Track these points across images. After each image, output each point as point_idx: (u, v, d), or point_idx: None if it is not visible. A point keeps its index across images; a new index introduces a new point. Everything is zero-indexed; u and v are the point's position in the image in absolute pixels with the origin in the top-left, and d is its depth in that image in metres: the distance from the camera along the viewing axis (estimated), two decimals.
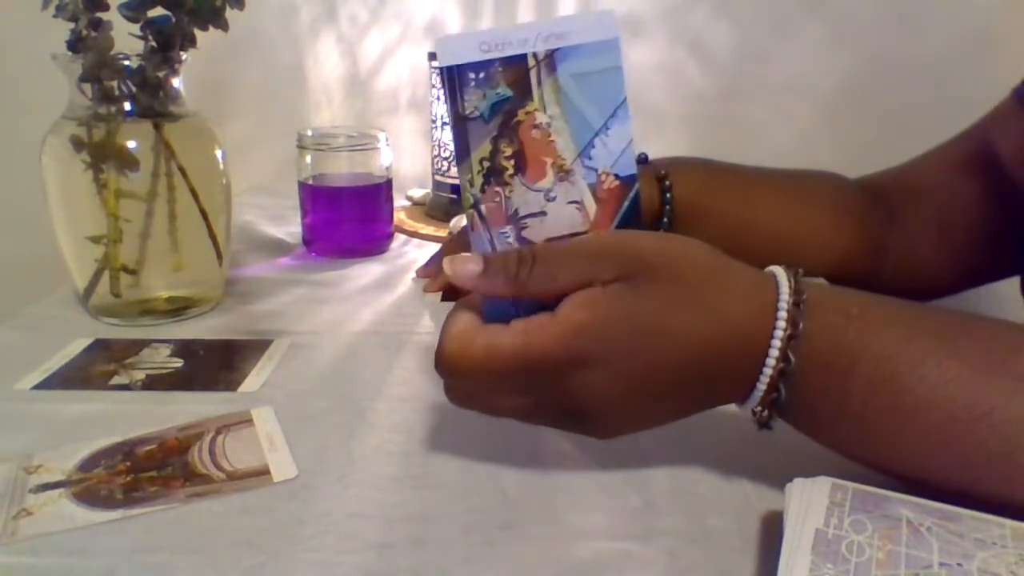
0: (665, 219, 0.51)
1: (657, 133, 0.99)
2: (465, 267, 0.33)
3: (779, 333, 0.32)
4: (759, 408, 0.34)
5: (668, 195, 0.51)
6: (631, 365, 0.32)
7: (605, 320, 0.32)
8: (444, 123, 0.84)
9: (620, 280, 0.32)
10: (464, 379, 0.34)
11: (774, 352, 0.32)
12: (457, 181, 0.85)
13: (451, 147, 0.84)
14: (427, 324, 0.59)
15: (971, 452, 0.31)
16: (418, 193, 0.95)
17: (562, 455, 0.40)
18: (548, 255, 0.33)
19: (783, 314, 0.32)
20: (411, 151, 1.06)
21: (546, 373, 0.32)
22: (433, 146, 0.87)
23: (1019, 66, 0.51)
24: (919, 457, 0.33)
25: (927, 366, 0.32)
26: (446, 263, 0.33)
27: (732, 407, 0.36)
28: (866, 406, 0.32)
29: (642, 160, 0.53)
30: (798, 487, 0.32)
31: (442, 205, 0.88)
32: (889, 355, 0.32)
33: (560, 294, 0.32)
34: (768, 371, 0.33)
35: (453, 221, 0.81)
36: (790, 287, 0.33)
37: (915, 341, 0.32)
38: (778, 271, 0.34)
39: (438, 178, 0.88)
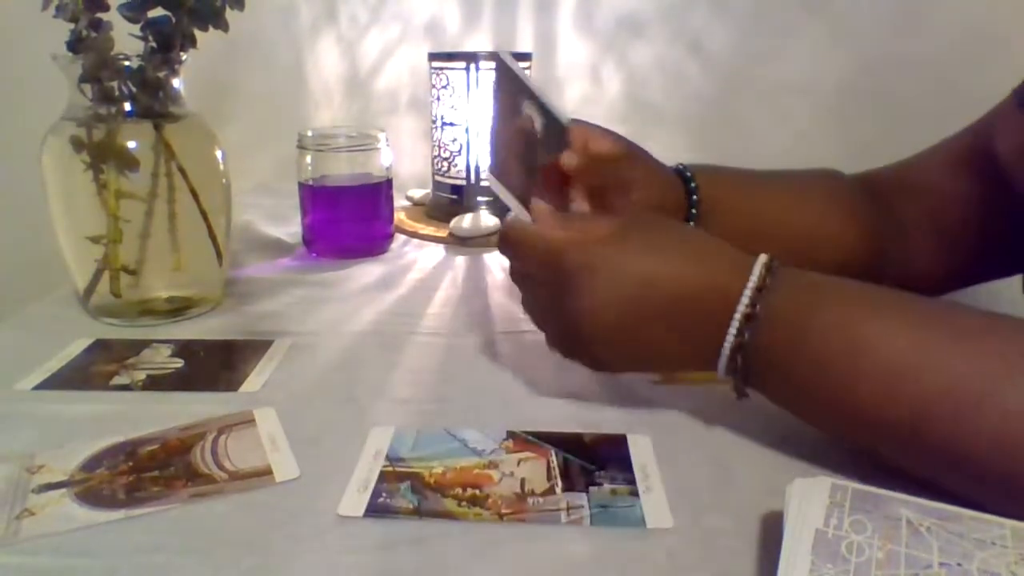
0: (693, 211, 0.52)
1: (657, 133, 0.99)
2: (540, 205, 0.44)
3: (751, 285, 0.38)
4: (730, 356, 0.39)
5: (694, 197, 0.52)
6: (619, 280, 0.40)
7: (608, 236, 0.41)
8: (444, 123, 0.84)
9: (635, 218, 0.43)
10: (513, 249, 0.45)
11: (745, 300, 0.38)
12: (457, 181, 0.86)
13: (450, 147, 0.85)
14: (427, 324, 0.59)
15: (917, 395, 0.34)
16: (418, 193, 0.95)
17: None
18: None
19: (755, 276, 0.38)
20: (411, 151, 1.06)
21: (552, 266, 0.42)
22: (433, 146, 0.87)
23: (1019, 65, 0.51)
24: (869, 402, 0.35)
25: (877, 319, 0.36)
26: (533, 199, 0.44)
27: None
28: (821, 348, 0.36)
29: (679, 171, 0.54)
30: (798, 487, 0.32)
31: (442, 205, 0.88)
32: (837, 320, 0.37)
33: None
34: (733, 329, 0.38)
35: (453, 221, 0.81)
36: (767, 259, 0.39)
37: (869, 297, 0.38)
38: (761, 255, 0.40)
39: (438, 178, 0.88)
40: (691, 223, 0.52)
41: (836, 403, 0.36)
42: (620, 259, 0.40)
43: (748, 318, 0.38)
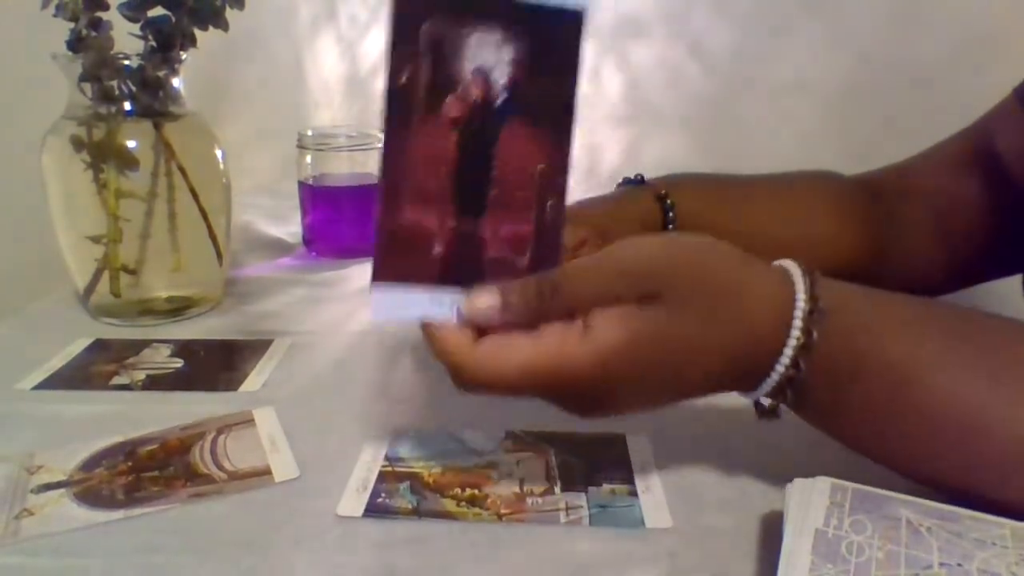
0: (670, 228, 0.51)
1: (657, 133, 0.99)
2: (480, 302, 0.32)
3: (792, 343, 0.32)
4: (767, 403, 0.35)
5: (671, 214, 0.51)
6: (658, 380, 0.33)
7: (639, 342, 0.31)
8: None
9: (648, 299, 0.32)
10: (492, 391, 0.32)
11: (785, 360, 0.33)
12: None
13: None
14: None
15: (978, 457, 0.32)
16: None
17: None
18: (569, 279, 0.32)
19: (798, 323, 0.32)
20: None
21: (576, 389, 0.32)
22: None
23: (1020, 65, 0.51)
24: (922, 458, 0.33)
25: (937, 371, 0.32)
26: (465, 302, 0.32)
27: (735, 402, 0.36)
28: (872, 409, 0.33)
29: (638, 180, 0.53)
30: (798, 487, 0.32)
31: None
32: (899, 360, 0.33)
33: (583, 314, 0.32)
34: (776, 376, 0.33)
35: None
36: (806, 293, 0.33)
37: (927, 344, 0.33)
38: (793, 271, 0.34)
39: None
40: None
41: (894, 451, 0.34)
42: (638, 368, 0.32)
43: (790, 380, 0.33)
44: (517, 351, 0.31)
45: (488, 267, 0.31)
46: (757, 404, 0.36)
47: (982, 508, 0.31)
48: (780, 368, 0.33)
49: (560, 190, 0.31)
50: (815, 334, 0.32)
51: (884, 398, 0.33)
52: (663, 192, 0.51)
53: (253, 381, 0.48)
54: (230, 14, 0.56)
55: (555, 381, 0.31)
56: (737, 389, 0.36)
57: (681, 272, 0.33)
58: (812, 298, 0.33)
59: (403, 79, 0.28)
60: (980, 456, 0.32)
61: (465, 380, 0.32)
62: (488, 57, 0.27)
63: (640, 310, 0.31)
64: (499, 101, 0.28)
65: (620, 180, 0.55)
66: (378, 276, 0.30)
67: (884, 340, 0.33)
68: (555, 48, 0.27)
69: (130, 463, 0.39)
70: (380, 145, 0.29)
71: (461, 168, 0.29)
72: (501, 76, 0.27)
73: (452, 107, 0.28)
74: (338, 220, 0.75)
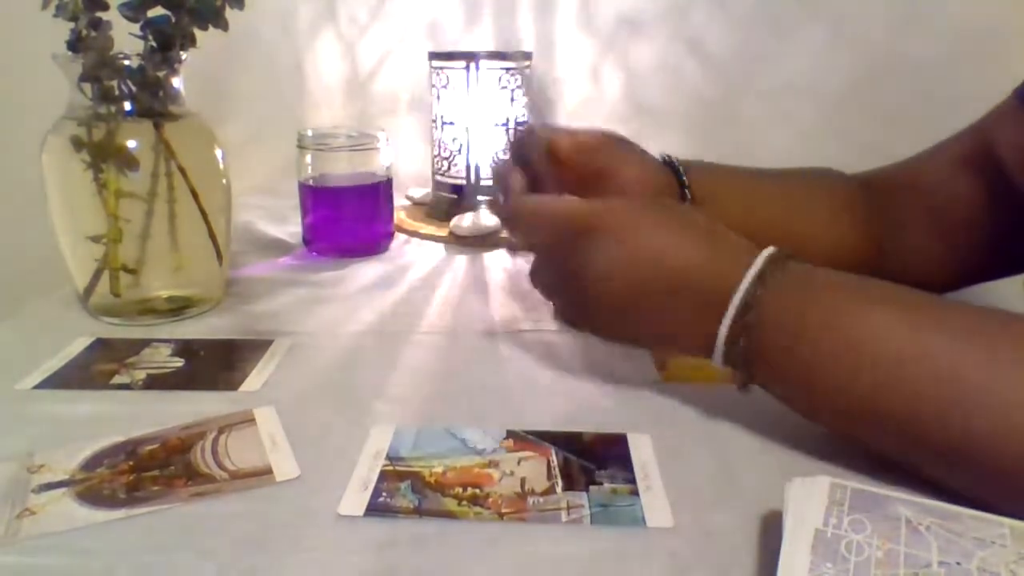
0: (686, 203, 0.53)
1: (657, 133, 0.99)
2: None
3: (747, 283, 0.38)
4: (727, 343, 0.39)
5: (686, 189, 0.52)
6: (633, 246, 0.41)
7: (628, 206, 0.43)
8: (444, 123, 0.84)
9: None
10: (519, 221, 0.47)
11: (741, 291, 0.38)
12: (457, 181, 0.86)
13: (450, 147, 0.85)
14: (427, 324, 0.59)
15: (916, 384, 0.34)
16: (418, 193, 0.95)
17: None
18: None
19: (758, 263, 0.39)
20: (411, 151, 1.06)
21: (570, 230, 0.43)
22: (433, 146, 0.87)
23: (1020, 65, 0.51)
24: (868, 392, 0.35)
25: (876, 312, 0.36)
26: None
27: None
28: (818, 343, 0.37)
29: (666, 161, 0.54)
30: (798, 487, 0.32)
31: (442, 205, 0.88)
32: (840, 302, 0.37)
33: None
34: (732, 310, 0.38)
35: (453, 221, 0.81)
36: (773, 250, 0.40)
37: (869, 291, 0.38)
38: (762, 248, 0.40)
39: (438, 178, 0.88)
40: None
41: (835, 394, 0.36)
42: (633, 229, 0.42)
43: (747, 305, 0.38)
44: (554, 198, 0.46)
45: None
46: (733, 367, 0.40)
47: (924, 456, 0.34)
48: (736, 302, 0.38)
49: None
50: (770, 268, 0.38)
51: (827, 331, 0.36)
52: (667, 157, 0.54)
53: (253, 380, 0.48)
54: (230, 14, 0.56)
55: (557, 216, 0.44)
56: (699, 337, 0.40)
57: (674, 203, 0.48)
58: (773, 256, 0.39)
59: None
60: (916, 388, 0.34)
61: (519, 213, 0.47)
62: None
63: (640, 200, 0.45)
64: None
65: None
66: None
67: (825, 295, 0.38)
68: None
69: (131, 462, 0.39)
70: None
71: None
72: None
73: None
74: (338, 220, 0.75)
